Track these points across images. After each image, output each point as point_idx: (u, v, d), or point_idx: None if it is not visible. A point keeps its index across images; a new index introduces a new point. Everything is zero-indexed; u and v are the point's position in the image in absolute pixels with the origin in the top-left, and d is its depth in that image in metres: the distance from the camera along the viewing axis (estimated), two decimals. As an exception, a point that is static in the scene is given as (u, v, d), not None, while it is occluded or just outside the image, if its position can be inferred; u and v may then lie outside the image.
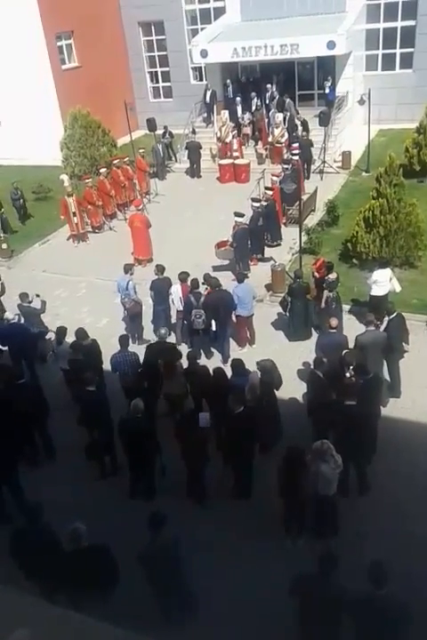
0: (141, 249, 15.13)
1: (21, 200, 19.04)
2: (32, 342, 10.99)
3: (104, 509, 8.07)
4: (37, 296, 11.44)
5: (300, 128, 20.06)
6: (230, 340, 11.59)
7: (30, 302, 11.34)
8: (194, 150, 21.26)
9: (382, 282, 10.93)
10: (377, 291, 10.98)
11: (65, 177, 19.57)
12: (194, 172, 21.46)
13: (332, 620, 5.60)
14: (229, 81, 23.34)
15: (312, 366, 8.70)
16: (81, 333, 10.00)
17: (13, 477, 8.27)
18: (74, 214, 16.85)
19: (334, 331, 9.39)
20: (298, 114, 21.23)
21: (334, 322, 9.49)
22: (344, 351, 9.01)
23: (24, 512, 6.85)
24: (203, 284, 11.35)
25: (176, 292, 11.33)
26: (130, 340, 10.32)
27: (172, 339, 11.47)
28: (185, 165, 21.93)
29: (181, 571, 6.31)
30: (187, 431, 7.95)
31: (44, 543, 6.17)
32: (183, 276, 11.27)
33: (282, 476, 7.07)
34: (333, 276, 11.06)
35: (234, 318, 11.38)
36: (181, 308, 11.36)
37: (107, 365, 10.01)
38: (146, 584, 6.37)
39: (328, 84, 21.98)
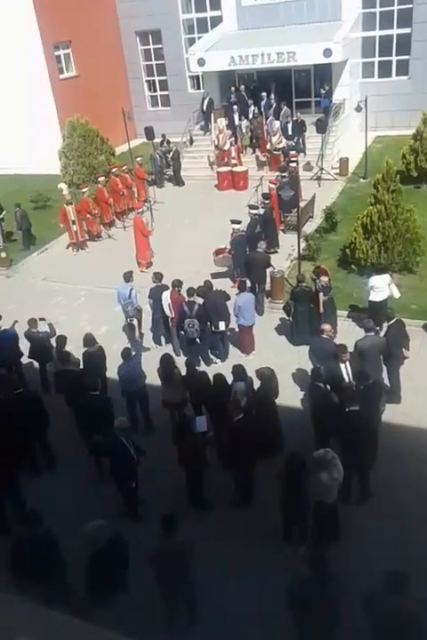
0: (137, 251, 15.34)
1: None
2: (18, 347, 11.06)
3: (105, 517, 7.98)
4: (43, 319, 11.12)
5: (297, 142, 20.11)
6: (234, 347, 11.65)
7: (37, 329, 10.96)
8: (176, 159, 21.54)
9: (380, 287, 10.93)
10: (375, 296, 10.98)
11: (63, 185, 19.61)
12: (178, 180, 21.61)
13: (326, 622, 5.60)
14: (233, 88, 23.43)
15: (311, 379, 8.66)
16: (89, 340, 10.06)
17: (14, 487, 8.25)
18: (73, 222, 16.89)
19: (326, 337, 9.40)
20: (294, 117, 21.36)
21: (325, 327, 9.50)
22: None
23: (24, 521, 6.83)
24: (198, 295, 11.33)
25: (165, 298, 11.34)
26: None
27: (169, 348, 11.54)
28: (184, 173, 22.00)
29: (190, 575, 6.33)
30: (184, 436, 7.95)
31: (46, 550, 6.17)
32: (175, 283, 11.30)
33: (283, 482, 7.06)
34: (325, 278, 11.06)
35: (236, 328, 11.46)
36: (170, 314, 11.39)
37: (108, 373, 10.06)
38: (148, 590, 6.35)
39: (323, 91, 22.13)
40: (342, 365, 8.80)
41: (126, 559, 6.25)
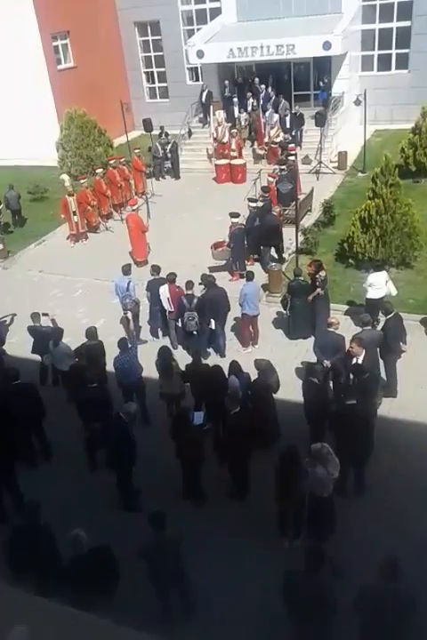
0: (134, 249, 15.22)
1: None
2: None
3: (102, 508, 8.05)
4: (45, 315, 11.05)
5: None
6: (234, 339, 11.65)
7: (40, 323, 10.93)
8: (175, 151, 21.49)
9: (378, 285, 10.92)
10: (373, 294, 10.95)
11: (66, 177, 19.56)
12: (175, 172, 21.56)
13: (322, 617, 5.63)
14: (227, 82, 23.37)
15: (306, 374, 8.64)
16: (91, 334, 10.05)
17: (11, 478, 8.26)
18: (74, 214, 16.83)
19: (332, 330, 9.40)
20: (292, 110, 21.31)
21: (333, 320, 9.50)
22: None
23: (22, 512, 6.85)
24: (200, 284, 11.36)
25: (164, 292, 11.32)
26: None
27: (166, 341, 11.53)
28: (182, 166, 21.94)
29: (182, 568, 6.34)
30: (181, 429, 7.96)
31: (42, 542, 6.18)
32: (171, 277, 11.27)
33: (278, 476, 7.08)
34: (323, 273, 11.09)
35: (240, 316, 11.43)
36: (169, 309, 11.38)
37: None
38: (146, 581, 6.38)
39: (322, 84, 22.09)
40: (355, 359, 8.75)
41: (114, 572, 6.06)
